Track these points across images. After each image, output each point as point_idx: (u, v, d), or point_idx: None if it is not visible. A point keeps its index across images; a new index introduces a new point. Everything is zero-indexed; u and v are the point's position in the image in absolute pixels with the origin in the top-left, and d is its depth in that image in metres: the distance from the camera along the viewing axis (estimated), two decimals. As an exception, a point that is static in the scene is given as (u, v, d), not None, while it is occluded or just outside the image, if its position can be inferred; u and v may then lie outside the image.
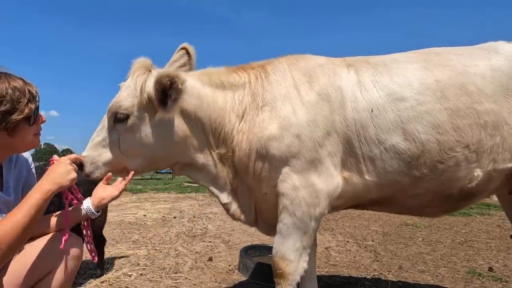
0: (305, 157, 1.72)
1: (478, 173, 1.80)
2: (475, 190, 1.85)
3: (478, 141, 1.76)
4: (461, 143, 1.75)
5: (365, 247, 4.24)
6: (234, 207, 1.95)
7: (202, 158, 1.88)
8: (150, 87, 1.68)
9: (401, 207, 2.00)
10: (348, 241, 4.52)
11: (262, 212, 1.94)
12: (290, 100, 1.78)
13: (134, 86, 1.73)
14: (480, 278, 3.15)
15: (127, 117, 1.72)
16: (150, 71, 1.78)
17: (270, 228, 1.96)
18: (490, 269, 3.42)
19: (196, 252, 3.87)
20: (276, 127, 1.73)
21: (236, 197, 1.96)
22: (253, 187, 1.88)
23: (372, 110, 1.75)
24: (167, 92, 1.62)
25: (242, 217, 1.97)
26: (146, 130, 1.75)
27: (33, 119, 1.49)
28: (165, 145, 1.79)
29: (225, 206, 1.96)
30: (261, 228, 2.03)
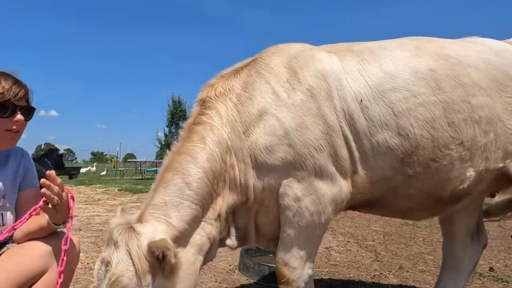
0: (301, 164, 1.60)
1: (471, 173, 1.71)
2: (465, 192, 1.77)
3: (472, 138, 1.66)
4: (456, 139, 1.65)
5: (366, 247, 4.23)
6: (240, 243, 1.81)
7: (211, 240, 1.69)
8: (144, 250, 1.43)
9: (392, 209, 1.91)
10: (348, 241, 4.52)
11: (261, 227, 1.80)
12: (272, 110, 1.63)
13: (128, 257, 1.44)
14: (481, 278, 3.14)
15: None
16: (131, 227, 1.50)
17: (270, 241, 1.86)
18: (491, 269, 3.41)
19: (196, 252, 3.85)
20: (265, 144, 1.60)
21: (241, 235, 1.81)
22: (255, 209, 1.74)
23: (361, 101, 1.63)
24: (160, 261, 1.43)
25: (248, 244, 1.86)
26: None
27: (2, 110, 1.47)
28: (190, 277, 1.58)
29: (234, 248, 1.81)
30: (260, 244, 1.90)
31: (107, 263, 1.45)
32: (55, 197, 1.37)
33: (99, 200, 8.37)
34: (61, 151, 6.07)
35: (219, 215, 1.67)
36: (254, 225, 1.79)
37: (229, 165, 1.65)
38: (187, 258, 1.57)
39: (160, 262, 1.42)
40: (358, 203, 1.84)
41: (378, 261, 3.66)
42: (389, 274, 3.24)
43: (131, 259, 1.43)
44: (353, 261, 3.63)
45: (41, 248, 1.47)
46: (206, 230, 1.64)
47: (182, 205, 1.57)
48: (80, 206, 7.07)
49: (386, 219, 6.19)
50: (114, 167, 28.75)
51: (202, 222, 1.64)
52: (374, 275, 3.19)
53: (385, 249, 4.17)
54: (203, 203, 1.61)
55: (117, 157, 42.03)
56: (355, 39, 1.97)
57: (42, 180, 1.36)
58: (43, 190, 1.35)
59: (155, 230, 1.51)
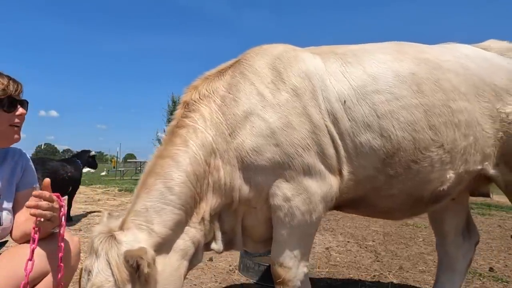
0: (289, 164, 1.59)
1: (451, 175, 1.75)
2: (444, 193, 1.81)
3: (452, 141, 1.70)
4: (436, 142, 1.68)
5: (366, 247, 4.23)
6: (226, 246, 1.77)
7: (196, 243, 1.64)
8: (122, 258, 1.41)
9: (376, 209, 1.93)
10: (348, 241, 4.52)
11: (249, 229, 1.78)
12: (257, 111, 1.61)
13: (108, 267, 1.41)
14: (481, 278, 3.14)
15: None
16: (112, 235, 1.47)
17: (257, 244, 1.85)
18: (491, 269, 3.41)
19: (196, 252, 3.85)
20: (252, 145, 1.58)
21: (228, 239, 1.77)
22: (241, 211, 1.72)
23: (345, 102, 1.64)
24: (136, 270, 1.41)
25: (235, 248, 1.83)
26: None
27: (5, 104, 1.50)
28: (175, 283, 1.56)
29: (220, 252, 1.77)
30: (247, 247, 1.87)
31: (88, 272, 1.44)
32: (47, 213, 1.36)
33: (99, 200, 8.37)
34: (93, 153, 6.22)
35: (202, 219, 1.63)
36: (242, 227, 1.76)
37: (213, 167, 1.62)
38: (171, 264, 1.54)
39: (136, 271, 1.40)
40: (342, 203, 1.84)
41: (378, 261, 3.66)
42: (389, 274, 3.24)
43: (111, 269, 1.40)
44: (353, 261, 3.63)
45: (41, 250, 1.45)
46: (190, 234, 1.60)
47: (164, 210, 1.53)
48: (80, 206, 7.07)
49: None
50: (114, 167, 28.70)
51: (186, 227, 1.60)
52: (374, 275, 3.19)
53: (385, 249, 4.17)
54: (186, 208, 1.58)
55: (117, 157, 42.11)
56: (355, 40, 2.02)
57: (27, 203, 1.35)
58: (32, 211, 1.33)
59: (136, 238, 1.48)
